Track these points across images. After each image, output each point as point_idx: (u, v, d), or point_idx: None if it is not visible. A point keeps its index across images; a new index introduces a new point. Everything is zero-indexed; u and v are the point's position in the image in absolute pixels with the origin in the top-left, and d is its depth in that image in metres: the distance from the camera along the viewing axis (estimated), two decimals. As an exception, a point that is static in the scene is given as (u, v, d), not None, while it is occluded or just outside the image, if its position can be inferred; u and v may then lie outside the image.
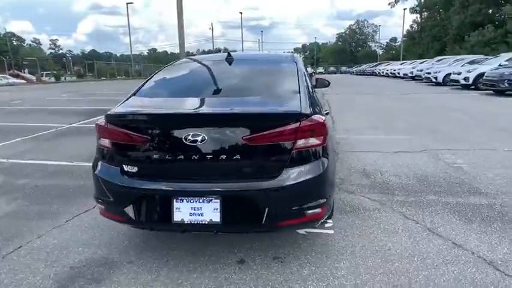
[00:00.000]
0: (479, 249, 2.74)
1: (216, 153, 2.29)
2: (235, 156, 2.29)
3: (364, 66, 51.09)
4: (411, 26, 71.76)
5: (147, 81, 3.24)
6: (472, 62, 16.93)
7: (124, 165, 2.45)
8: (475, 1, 47.69)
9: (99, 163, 2.60)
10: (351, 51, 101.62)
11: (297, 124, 2.31)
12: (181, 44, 10.96)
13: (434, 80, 18.71)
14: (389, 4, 71.60)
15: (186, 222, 2.33)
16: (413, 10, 70.56)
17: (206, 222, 2.31)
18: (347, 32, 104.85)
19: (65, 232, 3.22)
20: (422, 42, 66.16)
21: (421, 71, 21.83)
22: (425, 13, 68.07)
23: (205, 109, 2.63)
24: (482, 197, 3.80)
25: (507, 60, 14.27)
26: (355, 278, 2.40)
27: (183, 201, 2.33)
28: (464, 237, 2.94)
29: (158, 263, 2.66)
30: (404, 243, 2.88)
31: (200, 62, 3.78)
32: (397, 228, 3.13)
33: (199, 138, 2.25)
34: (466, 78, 15.52)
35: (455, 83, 16.42)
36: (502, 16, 41.07)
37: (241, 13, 58.69)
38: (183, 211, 2.33)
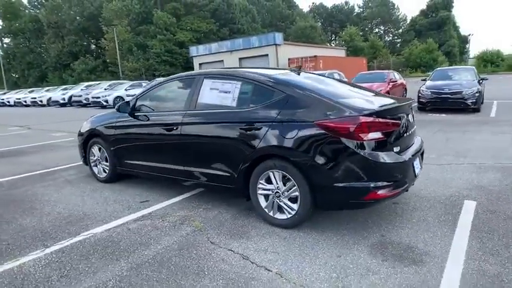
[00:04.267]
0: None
1: (410, 125, 3.34)
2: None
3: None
4: (-6, 52, 63.69)
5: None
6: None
7: (394, 148, 2.92)
8: (69, 32, 51.06)
9: (385, 153, 2.81)
10: None
11: None
12: None
13: (105, 103, 19.83)
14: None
15: (417, 174, 3.23)
16: (-10, 34, 62.87)
17: (419, 170, 3.34)
18: None
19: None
20: (15, 70, 61.40)
21: (80, 96, 22.14)
22: (7, 39, 62.97)
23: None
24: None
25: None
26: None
27: (415, 160, 3.20)
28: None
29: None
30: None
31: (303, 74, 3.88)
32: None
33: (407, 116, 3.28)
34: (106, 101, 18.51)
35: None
36: (100, 49, 47.28)
37: None
38: (416, 167, 3.22)
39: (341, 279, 2.35)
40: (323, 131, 2.79)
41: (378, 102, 3.06)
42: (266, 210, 3.20)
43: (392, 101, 3.29)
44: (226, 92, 3.48)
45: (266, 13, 59.65)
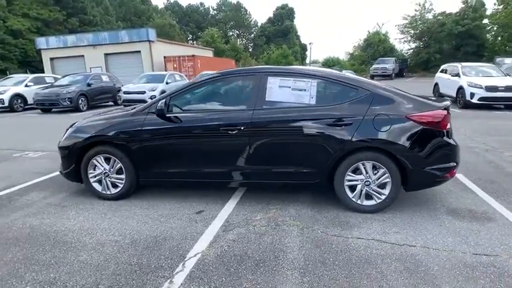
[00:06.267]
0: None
1: None
2: None
3: None
4: None
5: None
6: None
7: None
8: None
9: (452, 139, 3.46)
10: None
11: None
12: None
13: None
14: None
15: None
16: None
17: None
18: None
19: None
20: None
21: None
22: None
23: None
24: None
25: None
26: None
27: None
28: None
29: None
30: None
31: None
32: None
33: None
34: (1, 100, 14.34)
35: None
36: None
37: None
38: None
39: (467, 239, 2.91)
40: (415, 123, 3.27)
41: (436, 100, 3.73)
42: (354, 199, 3.47)
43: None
44: (301, 90, 3.54)
45: (119, 6, 55.10)
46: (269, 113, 3.53)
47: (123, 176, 3.85)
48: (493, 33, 29.94)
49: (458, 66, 12.85)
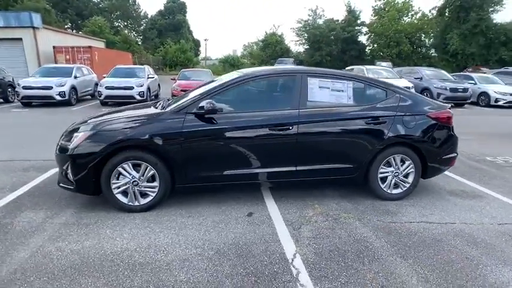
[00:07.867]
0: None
1: None
2: None
3: None
4: None
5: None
6: None
7: None
8: None
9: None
10: None
11: None
12: None
13: None
14: None
15: None
16: None
17: None
18: None
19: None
20: None
21: None
22: None
23: None
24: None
25: None
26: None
27: None
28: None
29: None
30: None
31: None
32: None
33: None
34: None
35: None
36: None
37: None
38: None
39: (482, 213, 3.65)
40: (433, 121, 3.87)
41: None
42: (385, 189, 3.91)
43: None
44: (339, 91, 3.79)
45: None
46: (314, 112, 3.67)
47: (155, 184, 3.47)
48: (371, 40, 35.47)
49: (363, 68, 14.88)
